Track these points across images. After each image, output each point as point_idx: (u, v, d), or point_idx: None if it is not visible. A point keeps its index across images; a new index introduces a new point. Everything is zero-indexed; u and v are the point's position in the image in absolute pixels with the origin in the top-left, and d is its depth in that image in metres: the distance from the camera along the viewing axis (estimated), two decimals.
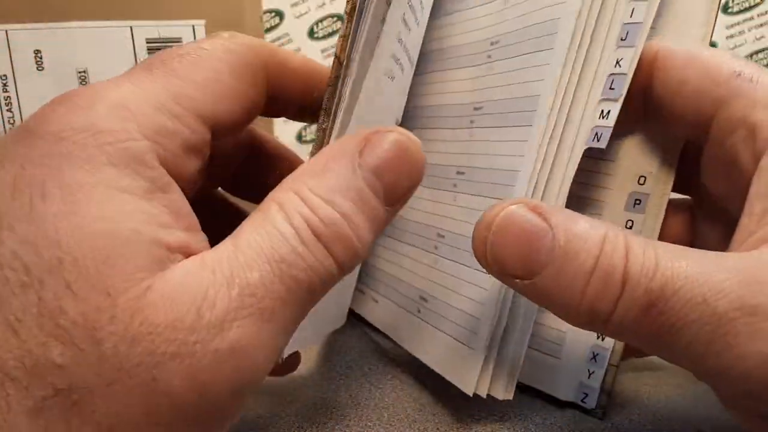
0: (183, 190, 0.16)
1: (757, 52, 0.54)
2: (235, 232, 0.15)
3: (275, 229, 0.15)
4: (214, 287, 0.14)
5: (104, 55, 0.35)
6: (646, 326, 0.15)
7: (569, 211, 0.17)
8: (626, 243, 0.16)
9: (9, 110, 0.33)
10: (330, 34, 0.57)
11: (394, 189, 0.16)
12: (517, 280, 0.17)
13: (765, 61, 0.54)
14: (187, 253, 0.15)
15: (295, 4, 0.56)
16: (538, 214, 0.16)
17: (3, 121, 0.33)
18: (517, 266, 0.16)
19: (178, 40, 0.37)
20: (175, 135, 0.16)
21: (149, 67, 0.17)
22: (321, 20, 0.56)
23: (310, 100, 0.20)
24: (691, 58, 0.19)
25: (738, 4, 0.54)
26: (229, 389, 0.14)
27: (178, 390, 0.13)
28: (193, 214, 0.16)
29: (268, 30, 0.57)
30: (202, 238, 0.16)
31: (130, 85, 0.16)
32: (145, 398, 0.13)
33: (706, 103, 0.19)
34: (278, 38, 0.57)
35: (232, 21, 0.39)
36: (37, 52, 0.34)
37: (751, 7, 0.53)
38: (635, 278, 0.15)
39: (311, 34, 0.57)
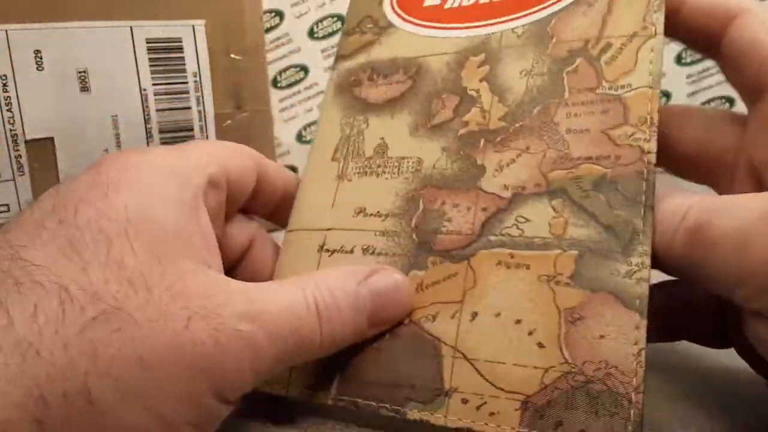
0: (211, 221, 0.21)
1: None
2: (263, 282, 0.21)
3: (293, 294, 0.19)
4: (238, 294, 0.18)
5: (104, 55, 0.35)
6: (694, 247, 0.19)
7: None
8: (700, 196, 0.19)
9: (9, 110, 0.34)
10: (330, 34, 0.57)
11: (380, 313, 0.21)
12: None
13: None
14: (218, 269, 0.20)
15: (295, 4, 0.56)
16: None
17: (3, 121, 0.33)
18: None
19: (178, 40, 0.37)
20: (205, 172, 0.21)
21: (182, 145, 0.23)
22: (321, 20, 0.56)
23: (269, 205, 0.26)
24: (763, 25, 0.22)
25: None
26: (236, 363, 0.18)
27: (203, 343, 0.17)
28: (215, 238, 0.21)
29: (268, 30, 0.56)
30: (217, 260, 0.21)
31: (167, 148, 0.22)
32: (176, 338, 0.17)
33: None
34: (278, 38, 0.57)
35: (233, 22, 0.39)
36: (37, 52, 0.34)
37: None
38: (692, 211, 0.19)
39: (311, 34, 0.57)
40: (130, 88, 0.36)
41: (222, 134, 0.39)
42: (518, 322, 0.20)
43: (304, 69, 0.58)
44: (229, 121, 0.40)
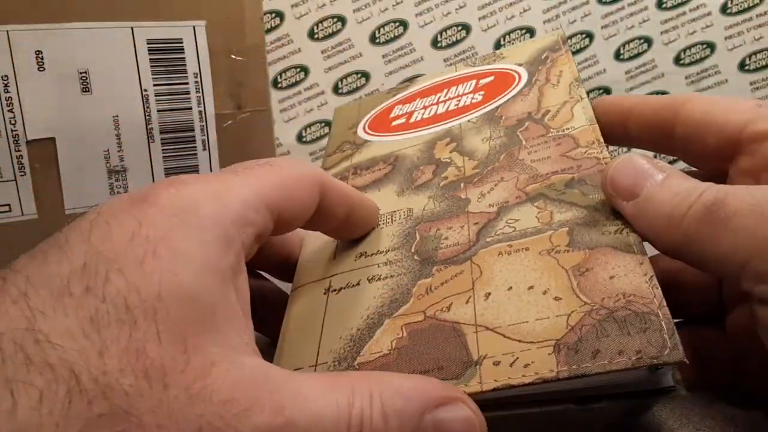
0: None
1: (756, 53, 0.55)
2: (314, 374, 0.18)
3: (336, 405, 0.16)
4: (267, 398, 0.16)
5: (105, 55, 0.35)
6: (705, 221, 0.19)
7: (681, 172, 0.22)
8: (717, 185, 0.19)
9: (10, 111, 0.34)
10: (330, 35, 0.57)
11: None
12: (624, 202, 0.21)
13: (764, 62, 0.54)
14: (246, 345, 0.17)
15: (295, 5, 0.56)
16: (655, 163, 0.21)
17: (5, 122, 0.34)
18: (627, 185, 0.21)
19: (178, 41, 0.37)
20: (254, 225, 0.19)
21: (235, 170, 0.20)
22: (321, 21, 0.57)
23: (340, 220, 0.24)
24: (711, 99, 0.24)
25: (737, 4, 0.54)
26: None
27: None
28: (249, 301, 0.19)
29: (269, 31, 0.57)
30: (248, 322, 0.18)
31: (220, 183, 0.19)
32: None
33: (734, 121, 0.23)
34: (278, 39, 0.57)
35: (233, 22, 0.39)
36: (38, 52, 0.34)
37: (750, 8, 0.53)
38: (709, 190, 0.19)
39: (311, 35, 0.57)
40: (131, 88, 0.36)
41: (222, 135, 0.39)
42: (531, 288, 0.20)
43: (305, 70, 0.58)
44: (230, 122, 0.40)
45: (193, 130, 0.38)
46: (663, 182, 0.21)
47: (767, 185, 0.19)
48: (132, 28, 0.36)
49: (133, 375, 0.15)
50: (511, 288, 0.21)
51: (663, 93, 0.57)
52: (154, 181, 0.38)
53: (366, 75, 0.57)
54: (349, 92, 0.58)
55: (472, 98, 0.31)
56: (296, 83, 0.58)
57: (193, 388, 0.15)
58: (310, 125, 0.59)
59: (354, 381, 0.17)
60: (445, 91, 0.34)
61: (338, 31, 0.56)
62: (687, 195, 0.20)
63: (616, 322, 0.18)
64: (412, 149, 0.30)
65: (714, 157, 0.23)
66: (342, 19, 0.55)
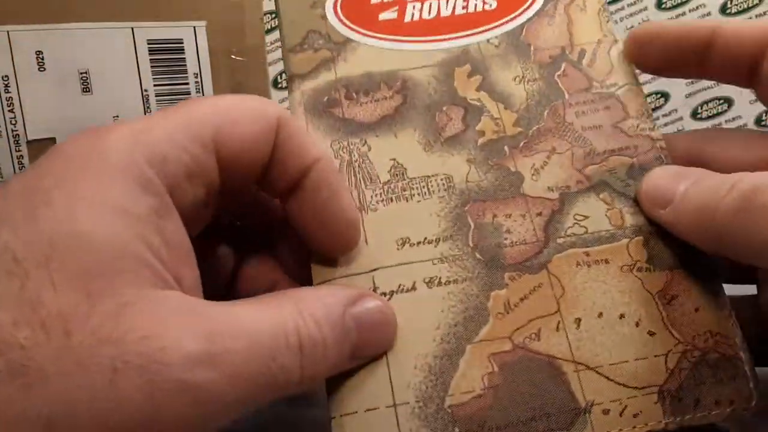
0: (187, 218, 0.18)
1: None
2: (238, 301, 0.18)
3: (270, 323, 0.17)
4: (196, 328, 0.15)
5: (105, 56, 0.35)
6: (743, 210, 0.18)
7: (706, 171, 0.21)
8: (751, 174, 0.19)
9: (11, 111, 0.34)
10: None
11: (365, 344, 0.19)
12: (661, 211, 0.21)
13: None
14: (171, 286, 0.16)
15: None
16: (684, 169, 0.21)
17: (5, 122, 0.34)
18: (659, 195, 0.21)
19: (179, 42, 0.37)
20: (178, 162, 0.17)
21: (166, 108, 0.19)
22: None
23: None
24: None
25: (736, 4, 0.54)
26: (175, 421, 0.15)
27: (130, 400, 0.14)
28: (190, 246, 0.18)
29: (269, 31, 0.57)
30: (191, 273, 0.17)
31: (145, 121, 0.18)
32: (95, 396, 0.14)
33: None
34: (278, 40, 0.57)
35: (233, 23, 0.39)
36: (38, 52, 0.34)
37: (749, 8, 0.53)
38: (744, 179, 0.19)
39: None
40: (131, 88, 0.36)
41: None
42: (622, 316, 0.20)
43: None
44: None
45: None
46: (696, 181, 0.20)
47: None
48: (132, 29, 0.36)
49: (29, 327, 0.14)
50: (601, 314, 0.20)
51: (663, 93, 0.57)
52: None
53: None
54: None
55: (484, 2, 0.26)
56: None
57: (102, 332, 0.14)
58: None
59: (279, 301, 0.18)
60: None
61: None
62: (720, 186, 0.19)
63: (709, 366, 0.19)
64: (423, 72, 0.24)
65: (751, 60, 0.23)
66: None
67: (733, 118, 0.56)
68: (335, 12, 0.26)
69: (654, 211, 0.21)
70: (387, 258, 0.21)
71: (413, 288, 0.21)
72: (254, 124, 0.19)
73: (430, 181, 0.22)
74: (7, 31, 0.33)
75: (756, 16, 0.55)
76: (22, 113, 0.34)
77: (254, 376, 0.16)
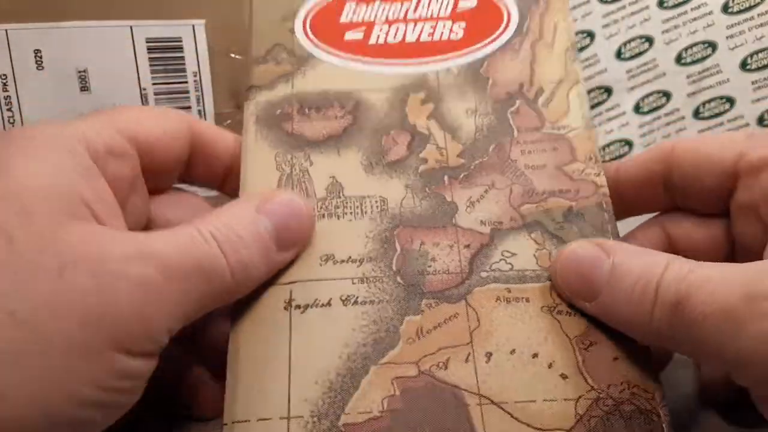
0: (117, 190, 0.20)
1: (757, 52, 0.54)
2: (157, 231, 0.20)
3: (186, 233, 0.19)
4: (125, 239, 0.18)
5: (104, 54, 0.35)
6: (676, 324, 0.18)
7: (626, 244, 0.21)
8: (667, 261, 0.19)
9: (9, 110, 0.34)
10: None
11: (285, 233, 0.20)
12: (586, 303, 0.20)
13: (765, 61, 0.54)
14: (103, 224, 0.19)
15: None
16: (598, 246, 0.20)
17: (3, 121, 0.34)
18: (582, 289, 0.20)
19: (178, 40, 0.37)
20: (98, 140, 0.20)
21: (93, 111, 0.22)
22: None
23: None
24: (698, 139, 0.25)
25: (738, 3, 0.54)
26: (129, 308, 0.16)
27: (81, 287, 0.16)
28: (119, 209, 0.20)
29: None
30: (121, 227, 0.20)
31: (67, 122, 0.21)
32: (51, 288, 0.16)
33: (728, 156, 0.22)
34: None
35: (233, 21, 0.39)
36: (37, 51, 0.34)
37: (751, 7, 0.53)
38: (666, 283, 0.18)
39: None
40: (130, 87, 0.36)
41: None
42: (535, 356, 0.20)
43: None
44: (229, 121, 0.39)
45: None
46: (613, 273, 0.19)
47: (732, 276, 0.18)
48: (131, 27, 0.36)
49: None
50: (514, 351, 0.20)
51: (665, 92, 0.57)
52: None
53: None
54: None
55: (451, 30, 0.26)
56: None
57: (43, 242, 0.16)
58: None
59: (191, 222, 0.19)
60: (416, 0, 0.27)
61: None
62: (645, 288, 0.18)
63: (622, 418, 0.18)
64: (377, 95, 0.25)
65: (713, 196, 0.23)
66: None
67: (735, 118, 0.56)
68: (304, 27, 0.26)
69: (576, 302, 0.21)
70: (307, 272, 0.21)
71: (328, 304, 0.21)
72: (167, 120, 0.23)
73: (365, 202, 0.22)
74: (6, 30, 0.33)
75: (758, 15, 0.55)
76: (20, 112, 0.34)
77: (187, 271, 0.18)
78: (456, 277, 0.21)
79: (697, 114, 0.57)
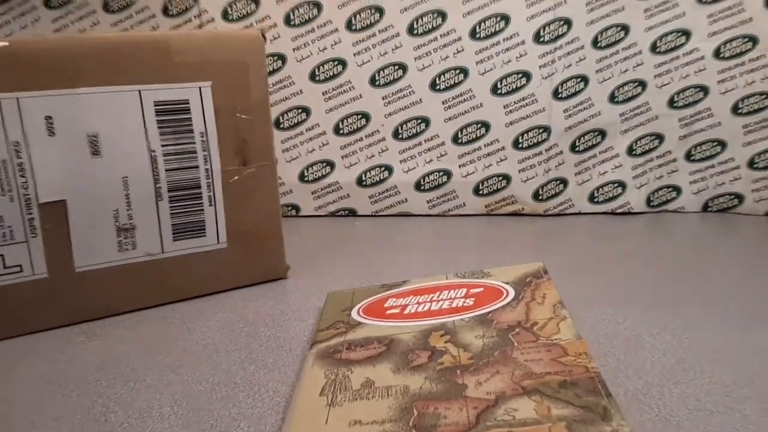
0: None
1: (748, 97, 0.56)
2: None
3: None
4: None
5: (114, 119, 0.36)
6: None
7: None
8: None
9: (23, 176, 0.34)
10: (331, 77, 0.58)
11: None
12: None
13: (756, 105, 0.55)
14: None
15: (297, 48, 0.57)
16: None
17: (17, 187, 0.34)
18: None
19: (185, 102, 0.38)
20: None
21: None
22: (322, 64, 0.58)
23: None
24: None
25: (729, 49, 0.55)
26: None
27: None
28: None
29: (271, 73, 0.58)
30: None
31: None
32: None
33: None
34: (280, 81, 0.58)
35: (238, 81, 0.40)
36: (48, 118, 0.35)
37: (742, 53, 0.54)
38: None
39: (313, 77, 0.58)
40: (139, 150, 0.37)
41: (229, 189, 0.40)
42: None
43: (306, 111, 0.59)
44: (236, 177, 0.40)
45: (200, 186, 0.39)
46: None
47: None
48: (140, 91, 0.37)
49: None
50: None
51: (658, 135, 0.58)
52: (161, 237, 0.39)
53: (366, 116, 0.58)
54: (350, 132, 0.59)
55: (464, 302, 0.36)
56: (298, 124, 0.59)
57: None
58: (311, 165, 0.60)
59: None
60: (438, 293, 0.38)
61: (339, 74, 0.57)
62: None
63: None
64: (407, 335, 0.33)
65: None
66: (342, 62, 0.56)
67: (726, 161, 0.57)
68: (357, 312, 0.38)
69: None
70: (339, 431, 0.26)
71: None
72: None
73: (390, 389, 0.28)
74: (17, 98, 0.34)
75: (749, 60, 0.55)
76: (33, 177, 0.35)
77: None
78: (464, 426, 0.25)
79: (689, 157, 0.58)
